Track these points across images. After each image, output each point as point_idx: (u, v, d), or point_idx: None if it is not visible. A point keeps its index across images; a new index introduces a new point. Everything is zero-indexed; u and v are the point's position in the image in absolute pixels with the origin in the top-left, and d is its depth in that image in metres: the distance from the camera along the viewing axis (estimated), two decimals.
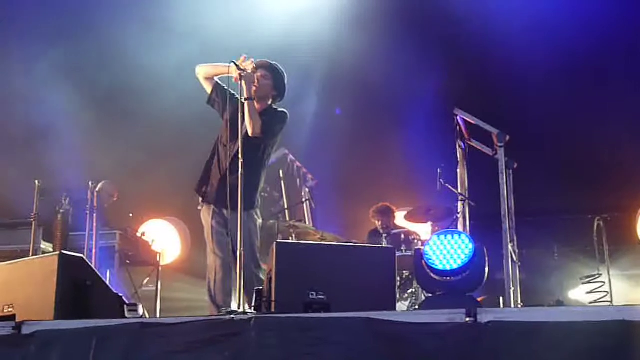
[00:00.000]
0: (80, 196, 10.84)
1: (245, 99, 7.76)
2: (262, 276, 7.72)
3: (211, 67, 8.25)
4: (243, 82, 7.72)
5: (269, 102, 8.28)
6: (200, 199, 8.29)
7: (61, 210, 10.79)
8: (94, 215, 10.64)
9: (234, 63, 7.74)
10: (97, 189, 10.73)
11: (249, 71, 7.85)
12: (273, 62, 8.30)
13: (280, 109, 8.29)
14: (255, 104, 7.99)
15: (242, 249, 7.05)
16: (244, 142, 7.55)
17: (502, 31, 12.07)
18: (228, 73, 7.89)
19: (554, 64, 12.58)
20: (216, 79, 8.26)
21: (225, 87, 8.08)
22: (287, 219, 11.45)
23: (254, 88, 7.93)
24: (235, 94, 7.93)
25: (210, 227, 8.14)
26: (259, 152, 8.13)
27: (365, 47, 12.96)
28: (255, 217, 8.15)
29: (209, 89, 8.32)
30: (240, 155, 7.36)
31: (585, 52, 12.30)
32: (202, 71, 8.32)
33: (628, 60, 12.81)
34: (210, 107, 8.37)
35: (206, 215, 8.22)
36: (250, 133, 7.82)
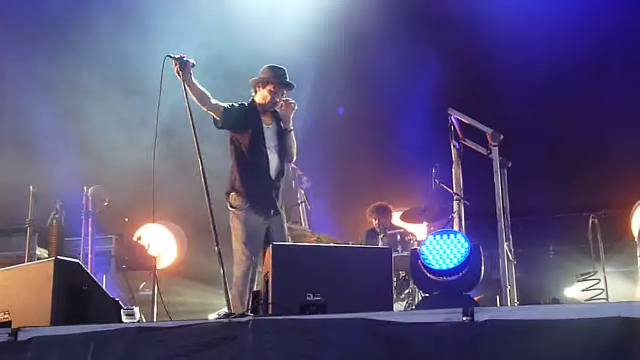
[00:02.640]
0: (74, 201, 10.85)
1: (287, 132, 8.52)
2: None
3: (190, 91, 8.00)
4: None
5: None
6: (242, 202, 8.27)
7: (56, 216, 10.80)
8: (89, 220, 10.65)
9: (170, 57, 7.75)
10: (89, 194, 10.75)
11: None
12: (274, 67, 8.50)
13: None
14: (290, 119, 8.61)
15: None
16: (285, 153, 8.53)
17: (496, 31, 12.11)
18: (182, 78, 7.81)
19: (547, 63, 12.62)
20: (225, 104, 8.25)
21: (237, 104, 8.25)
22: None
23: (290, 121, 8.58)
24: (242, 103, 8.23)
25: (246, 229, 8.17)
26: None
27: (360, 47, 12.99)
28: None
29: (215, 114, 8.29)
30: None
31: (579, 51, 12.33)
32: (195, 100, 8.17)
33: (622, 59, 12.85)
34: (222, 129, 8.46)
35: (241, 217, 8.23)
36: (293, 159, 8.76)
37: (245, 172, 8.29)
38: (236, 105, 8.15)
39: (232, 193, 8.33)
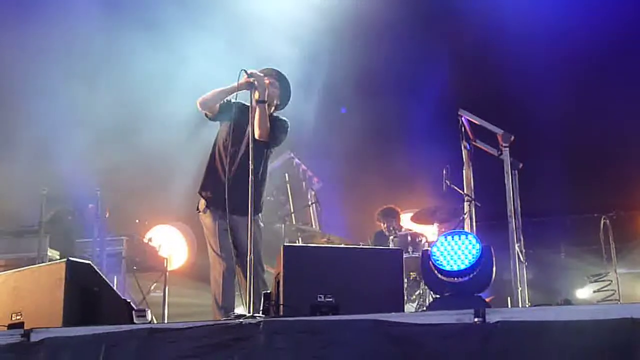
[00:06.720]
0: (86, 203, 10.88)
1: (258, 102, 7.72)
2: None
3: (216, 93, 7.96)
4: (255, 85, 7.70)
5: (271, 111, 8.17)
6: (204, 203, 8.15)
7: (68, 217, 10.83)
8: (100, 221, 10.69)
9: (245, 71, 7.68)
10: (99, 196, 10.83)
11: (260, 76, 7.82)
12: (282, 72, 8.25)
13: (282, 117, 8.24)
14: (266, 91, 7.90)
15: (251, 254, 7.02)
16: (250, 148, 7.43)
17: (507, 32, 12.10)
18: (237, 90, 7.78)
19: (558, 64, 12.60)
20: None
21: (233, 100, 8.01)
22: (294, 222, 11.46)
23: (266, 92, 7.86)
24: (240, 101, 7.93)
25: (215, 231, 8.02)
26: (263, 158, 8.09)
27: (370, 48, 12.98)
28: (260, 222, 8.13)
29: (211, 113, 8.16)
30: (251, 161, 7.28)
31: (590, 52, 12.33)
32: (208, 101, 8.04)
33: (633, 60, 12.82)
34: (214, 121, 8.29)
35: (209, 219, 8.08)
36: (257, 135, 7.73)
37: (208, 172, 8.14)
38: (233, 100, 7.99)
39: (200, 198, 8.20)
